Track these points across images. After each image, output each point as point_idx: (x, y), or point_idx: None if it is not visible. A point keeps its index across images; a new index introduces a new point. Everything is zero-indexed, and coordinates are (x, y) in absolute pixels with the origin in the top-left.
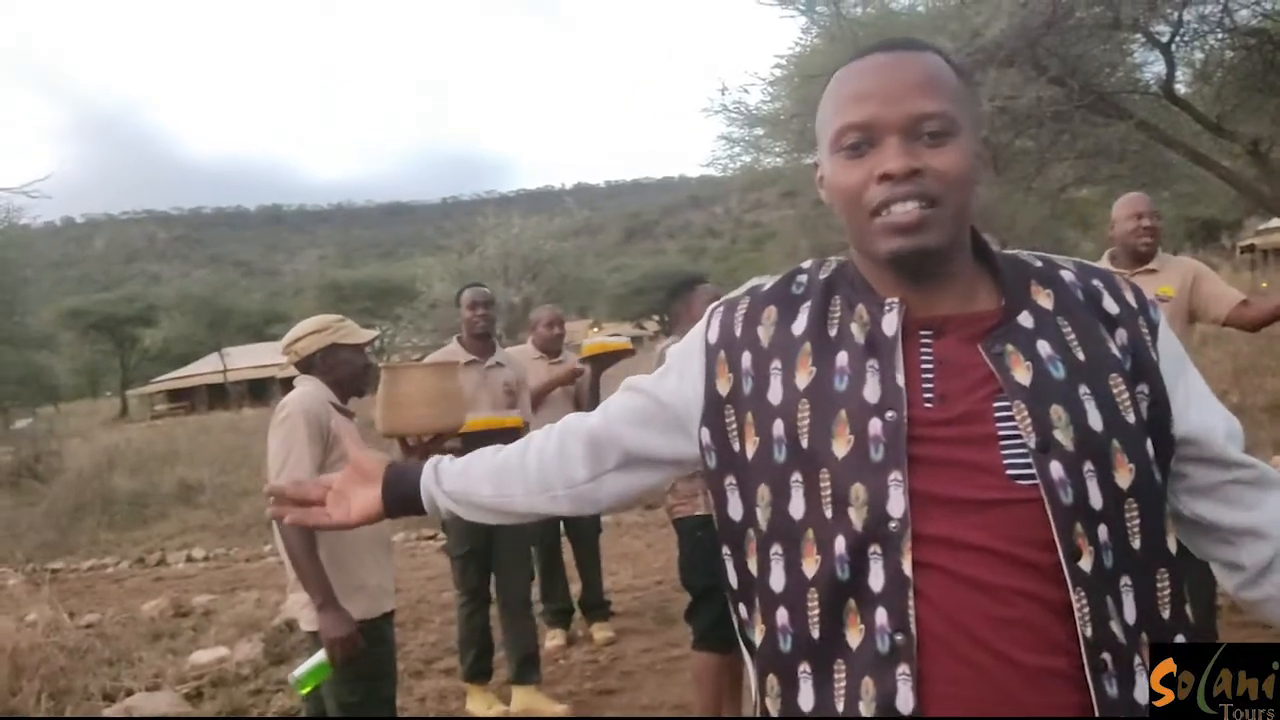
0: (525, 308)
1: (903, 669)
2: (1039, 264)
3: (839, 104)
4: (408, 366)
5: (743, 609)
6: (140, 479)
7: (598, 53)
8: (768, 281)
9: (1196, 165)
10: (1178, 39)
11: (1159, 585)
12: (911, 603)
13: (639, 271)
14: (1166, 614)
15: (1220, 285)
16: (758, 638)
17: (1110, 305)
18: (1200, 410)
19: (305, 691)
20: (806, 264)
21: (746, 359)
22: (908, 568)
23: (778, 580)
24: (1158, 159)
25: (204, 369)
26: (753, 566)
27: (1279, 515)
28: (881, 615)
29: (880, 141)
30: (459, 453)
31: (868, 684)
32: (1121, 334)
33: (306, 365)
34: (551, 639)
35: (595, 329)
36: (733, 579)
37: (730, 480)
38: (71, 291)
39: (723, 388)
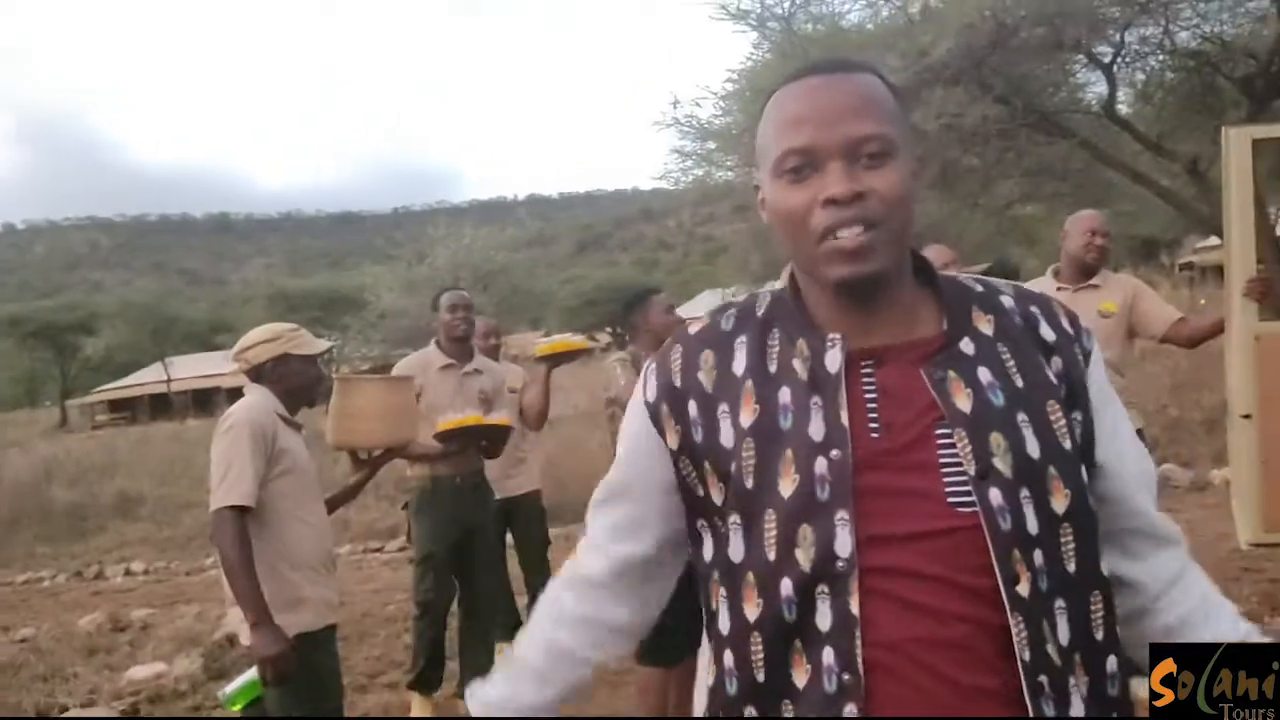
0: None
1: (850, 708)
2: (980, 289)
3: (778, 128)
4: (361, 379)
5: (708, 646)
6: (79, 490)
7: (552, 64)
8: (692, 325)
9: (1137, 184)
10: (1119, 60)
11: (1093, 607)
12: (859, 642)
13: (591, 283)
14: (1100, 635)
15: (1158, 303)
16: (710, 678)
17: (1047, 332)
18: (1119, 446)
19: (236, 709)
20: (735, 299)
21: (693, 408)
22: (855, 607)
23: (725, 623)
24: (1099, 177)
25: (147, 379)
26: (713, 606)
27: (1162, 574)
28: (829, 655)
29: (822, 165)
30: (440, 453)
31: None
32: (1057, 361)
33: (256, 374)
34: (496, 652)
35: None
36: (705, 616)
37: (701, 524)
38: (10, 299)
39: (672, 442)
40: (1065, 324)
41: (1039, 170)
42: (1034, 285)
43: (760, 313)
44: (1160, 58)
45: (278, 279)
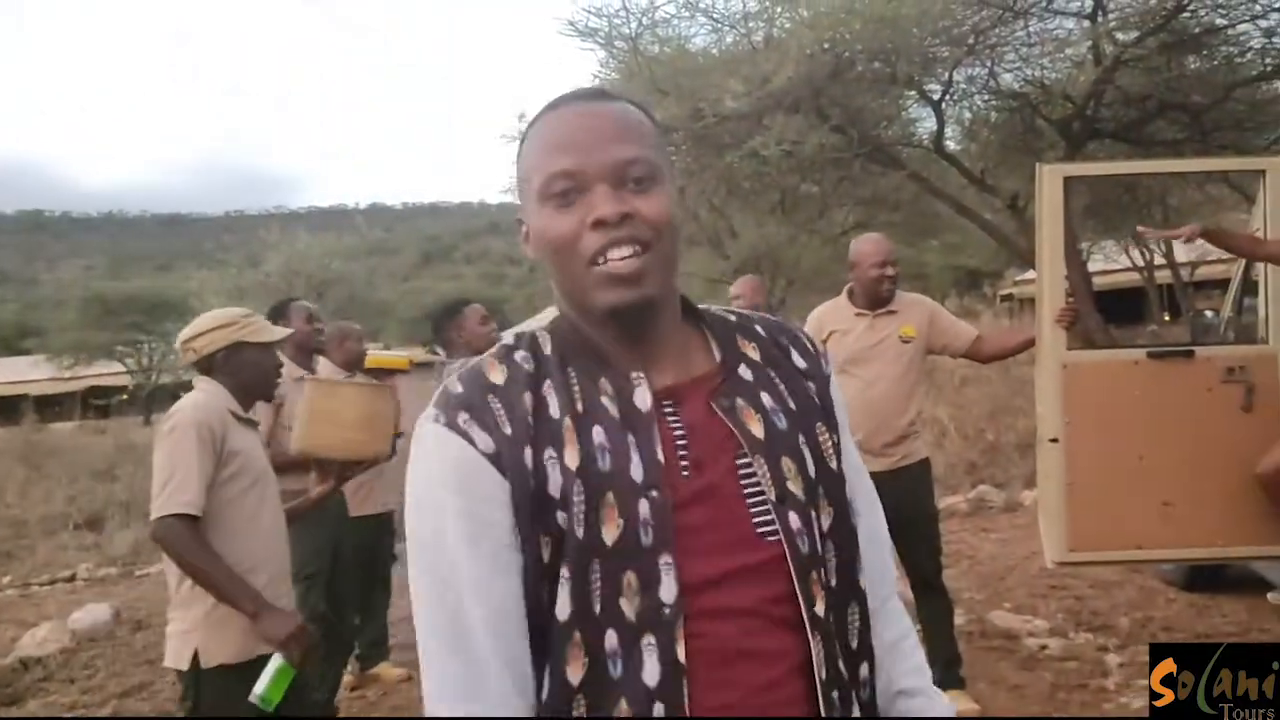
0: None
1: None
2: (735, 319)
3: (542, 154)
4: (341, 383)
5: None
6: None
7: (398, 71)
8: (490, 372)
9: (962, 216)
10: (948, 97)
11: (850, 618)
12: (686, 690)
13: (434, 295)
14: (854, 644)
15: (954, 321)
16: None
17: (799, 359)
18: (854, 461)
19: (276, 704)
20: (513, 340)
21: (528, 456)
22: (682, 654)
23: (543, 690)
24: (928, 209)
25: None
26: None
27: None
28: (659, 709)
29: (589, 189)
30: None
31: None
32: (811, 385)
33: (206, 366)
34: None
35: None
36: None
37: (543, 586)
38: None
39: (515, 493)
40: (810, 348)
41: (872, 200)
42: (828, 307)
43: (549, 351)
44: (985, 97)
45: (96, 281)
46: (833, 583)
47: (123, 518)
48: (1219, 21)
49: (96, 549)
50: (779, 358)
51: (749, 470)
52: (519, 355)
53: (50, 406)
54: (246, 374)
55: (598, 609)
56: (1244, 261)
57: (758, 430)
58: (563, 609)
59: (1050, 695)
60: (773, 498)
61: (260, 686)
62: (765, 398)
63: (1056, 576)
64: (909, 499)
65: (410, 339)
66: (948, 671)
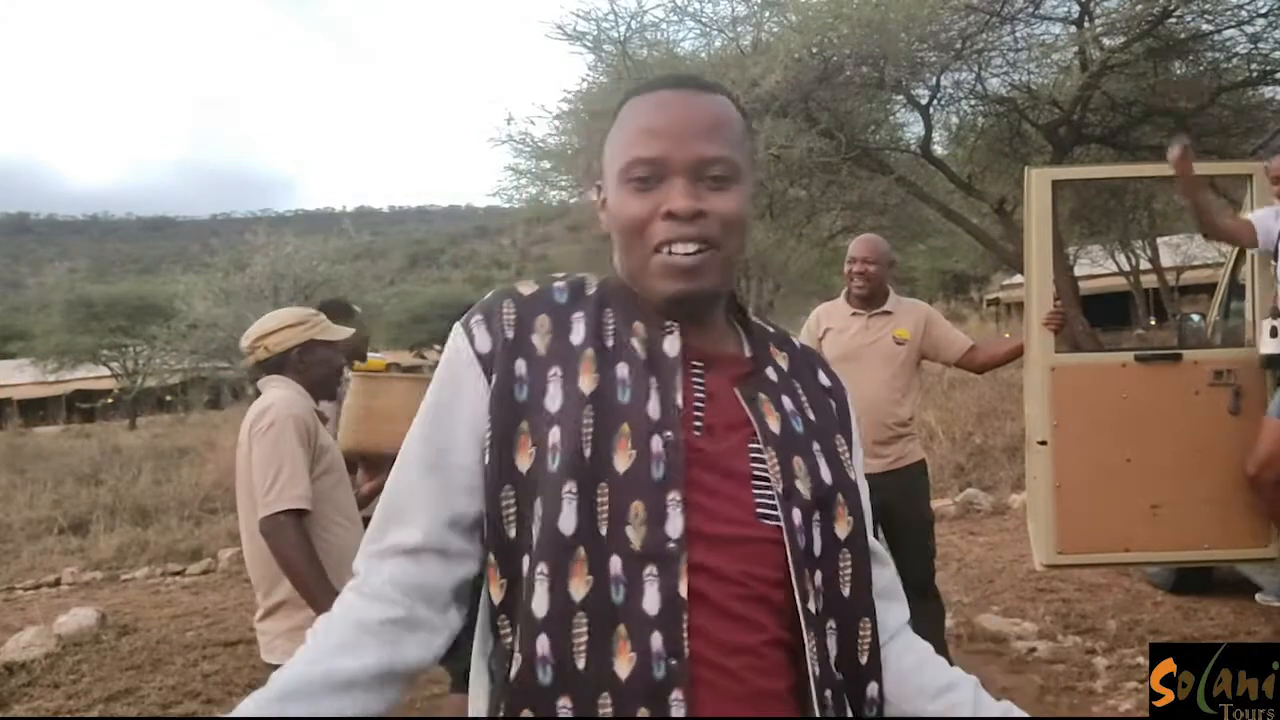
0: None
1: (676, 694)
2: (772, 330)
3: (631, 136)
4: (390, 376)
5: (502, 632)
6: None
7: (385, 75)
8: (522, 287)
9: (949, 221)
10: (935, 102)
11: (861, 633)
12: (685, 626)
13: (422, 299)
14: (864, 660)
15: (949, 329)
16: (512, 668)
17: (824, 378)
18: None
19: None
20: (561, 277)
21: (521, 365)
22: (684, 590)
23: (540, 604)
24: (916, 214)
25: None
26: (519, 588)
27: (890, 620)
28: (656, 640)
29: (668, 179)
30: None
31: (642, 714)
32: (833, 403)
33: (278, 364)
34: None
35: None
36: (495, 597)
37: (508, 493)
38: None
39: (494, 393)
40: (834, 376)
41: (860, 204)
42: (827, 305)
43: (591, 292)
44: (973, 102)
45: (81, 285)
46: (845, 593)
47: (108, 521)
48: (1205, 27)
49: (81, 553)
50: (805, 373)
51: (759, 457)
52: (557, 285)
53: (35, 410)
54: (317, 371)
55: (604, 531)
56: (1231, 265)
57: (774, 425)
58: (567, 523)
59: (1039, 698)
60: (779, 490)
61: None
62: (786, 401)
63: (1044, 579)
64: (903, 501)
65: (397, 342)
66: None
